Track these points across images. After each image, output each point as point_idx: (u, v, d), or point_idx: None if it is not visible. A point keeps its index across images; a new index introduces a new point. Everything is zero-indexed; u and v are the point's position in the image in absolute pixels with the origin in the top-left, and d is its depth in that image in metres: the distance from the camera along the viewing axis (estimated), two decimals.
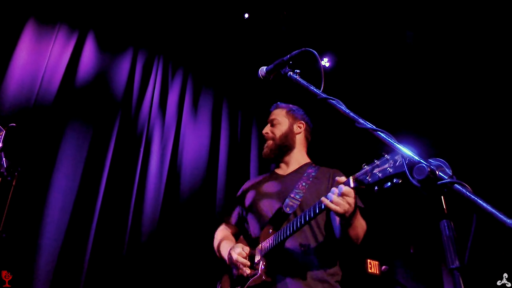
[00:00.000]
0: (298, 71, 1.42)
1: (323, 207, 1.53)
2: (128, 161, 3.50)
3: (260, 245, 1.84)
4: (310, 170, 2.02)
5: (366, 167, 1.36)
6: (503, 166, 4.08)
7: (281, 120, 2.15)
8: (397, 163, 1.23)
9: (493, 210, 0.79)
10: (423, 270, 4.51)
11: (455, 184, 0.86)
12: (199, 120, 4.20)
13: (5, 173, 2.25)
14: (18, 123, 2.37)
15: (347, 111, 1.15)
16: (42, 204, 3.01)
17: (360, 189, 1.46)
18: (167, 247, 3.43)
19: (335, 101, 1.19)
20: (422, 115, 4.64)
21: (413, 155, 0.96)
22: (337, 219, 1.73)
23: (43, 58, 3.35)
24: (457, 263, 0.83)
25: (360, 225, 1.72)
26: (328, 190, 1.54)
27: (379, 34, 4.40)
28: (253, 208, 2.03)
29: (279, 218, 1.85)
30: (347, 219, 1.53)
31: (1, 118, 2.87)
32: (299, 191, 1.90)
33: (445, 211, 0.88)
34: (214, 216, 3.82)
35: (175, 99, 4.06)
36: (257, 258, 1.82)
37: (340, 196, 1.47)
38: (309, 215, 1.59)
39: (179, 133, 3.93)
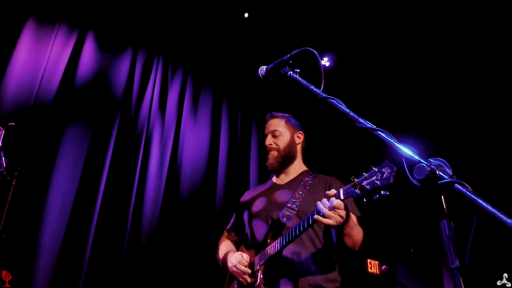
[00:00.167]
0: (298, 70, 1.42)
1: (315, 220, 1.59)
2: (127, 161, 3.50)
3: (259, 254, 1.90)
4: (306, 179, 2.07)
5: (355, 180, 1.42)
6: (503, 165, 4.08)
7: (282, 131, 2.18)
8: (384, 175, 1.30)
9: (494, 210, 0.79)
10: (423, 270, 4.51)
11: (455, 184, 0.86)
12: (199, 120, 4.20)
13: (4, 173, 2.25)
14: (18, 123, 2.37)
15: (347, 110, 1.15)
16: (42, 203, 3.00)
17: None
18: (167, 247, 3.42)
19: (335, 101, 1.19)
20: (422, 115, 4.64)
21: (413, 155, 0.96)
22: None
23: (42, 57, 3.34)
24: (457, 263, 0.83)
25: (356, 233, 1.75)
26: None
27: (379, 34, 4.39)
28: (252, 218, 2.09)
29: (277, 227, 1.90)
30: (340, 229, 1.60)
31: (1, 117, 2.87)
32: (296, 200, 1.95)
33: (445, 211, 0.88)
34: (213, 215, 3.82)
35: (175, 99, 4.06)
36: (256, 266, 1.88)
37: (332, 209, 1.52)
38: (303, 226, 1.66)
39: (179, 133, 3.93)
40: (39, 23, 3.43)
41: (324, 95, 1.23)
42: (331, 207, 1.51)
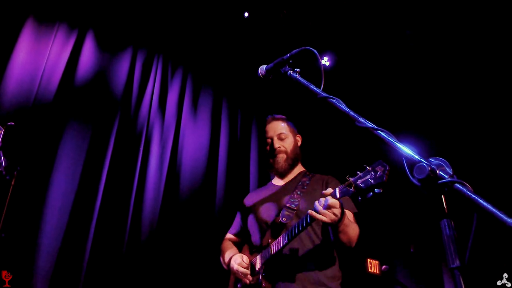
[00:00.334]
0: (298, 70, 1.42)
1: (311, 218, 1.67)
2: (127, 161, 3.50)
3: (260, 254, 1.98)
4: (304, 179, 2.14)
5: (350, 179, 1.51)
6: (504, 165, 4.08)
7: (287, 134, 2.25)
8: (377, 174, 1.38)
9: (494, 210, 0.79)
10: (423, 269, 4.51)
11: (456, 183, 0.86)
12: (199, 119, 4.19)
13: (4, 173, 2.25)
14: (17, 122, 2.37)
15: (347, 110, 1.15)
16: (41, 203, 3.00)
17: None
18: (167, 246, 3.42)
19: (335, 100, 1.19)
20: (422, 114, 4.64)
21: (413, 154, 0.96)
22: None
23: (42, 57, 3.34)
24: (457, 262, 0.83)
25: (351, 230, 1.81)
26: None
27: (379, 33, 4.39)
28: (254, 221, 2.16)
29: (277, 228, 1.97)
30: (335, 226, 1.70)
31: (0, 117, 2.87)
32: (294, 200, 2.03)
33: (446, 211, 0.88)
34: (213, 215, 3.81)
35: (174, 98, 4.05)
36: (257, 266, 1.95)
37: (327, 208, 1.60)
38: (302, 225, 1.74)
39: (179, 132, 3.93)
40: (38, 23, 3.42)
41: (324, 94, 1.22)
42: (327, 205, 1.59)
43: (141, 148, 3.60)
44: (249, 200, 2.31)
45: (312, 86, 1.29)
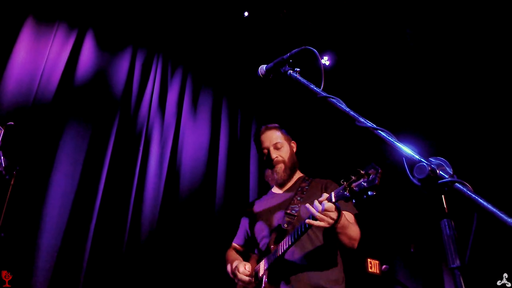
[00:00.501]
0: (298, 69, 1.41)
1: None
2: (127, 160, 3.49)
3: (263, 260, 2.00)
4: (303, 184, 2.17)
5: (345, 183, 1.54)
6: (504, 165, 4.07)
7: (283, 143, 2.25)
8: (370, 177, 1.42)
9: (494, 210, 0.79)
10: (423, 269, 4.51)
11: (456, 183, 0.85)
12: (199, 119, 4.19)
13: (3, 172, 2.25)
14: (17, 122, 2.37)
15: (347, 109, 1.14)
16: (41, 203, 3.00)
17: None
18: (167, 246, 3.42)
19: (335, 100, 1.19)
20: (423, 114, 4.63)
21: (413, 154, 0.95)
22: None
23: (41, 56, 3.33)
24: (457, 262, 0.83)
25: (352, 231, 1.83)
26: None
27: (379, 33, 4.39)
28: (256, 228, 2.19)
29: (279, 233, 2.00)
30: (334, 229, 1.72)
31: (0, 117, 2.86)
32: (295, 205, 2.05)
33: (446, 210, 0.88)
34: (213, 215, 3.81)
35: (174, 98, 4.05)
36: (261, 272, 1.99)
37: (323, 212, 1.62)
38: (301, 230, 1.76)
39: (179, 132, 3.92)
40: (38, 22, 3.42)
41: (324, 94, 1.22)
42: (323, 209, 1.62)
43: (141, 148, 3.60)
44: (251, 210, 2.33)
45: (312, 86, 1.29)
